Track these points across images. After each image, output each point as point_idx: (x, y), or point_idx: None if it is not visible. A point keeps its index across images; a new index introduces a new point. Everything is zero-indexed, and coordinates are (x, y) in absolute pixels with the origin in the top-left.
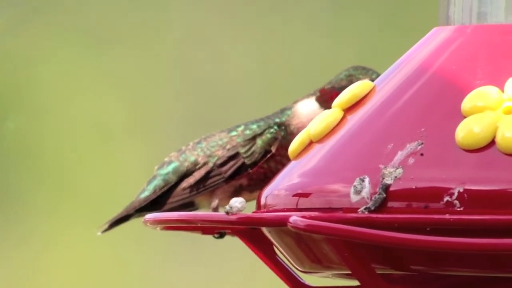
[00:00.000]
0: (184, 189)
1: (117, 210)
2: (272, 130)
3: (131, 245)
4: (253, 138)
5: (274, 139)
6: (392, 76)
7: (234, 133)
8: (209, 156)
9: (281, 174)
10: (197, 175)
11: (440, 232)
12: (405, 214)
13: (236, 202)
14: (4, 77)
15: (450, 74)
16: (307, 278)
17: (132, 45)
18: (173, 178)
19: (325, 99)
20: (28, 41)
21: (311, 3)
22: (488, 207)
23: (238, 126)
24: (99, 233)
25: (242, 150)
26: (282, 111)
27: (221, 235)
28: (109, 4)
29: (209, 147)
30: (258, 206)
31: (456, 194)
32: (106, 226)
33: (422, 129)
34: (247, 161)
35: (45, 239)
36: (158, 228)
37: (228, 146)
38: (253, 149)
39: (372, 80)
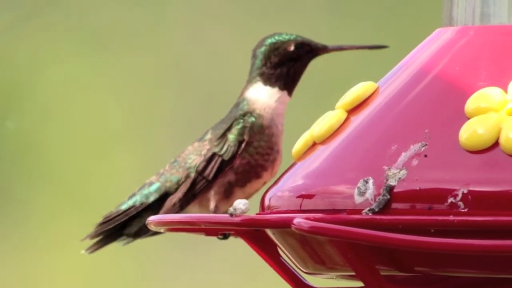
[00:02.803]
0: (175, 204)
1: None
2: (239, 121)
3: (132, 251)
4: (224, 135)
5: (244, 127)
6: (396, 77)
7: (205, 137)
8: (189, 168)
9: (285, 175)
10: (183, 188)
11: (444, 234)
12: (409, 215)
13: (240, 203)
14: (4, 77)
15: (454, 75)
16: (311, 279)
17: (132, 44)
18: (155, 196)
19: (269, 78)
20: (28, 41)
21: (310, 4)
22: (492, 208)
23: (206, 132)
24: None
25: (216, 150)
26: (238, 104)
27: (225, 236)
28: (109, 4)
29: (186, 161)
30: (262, 208)
31: (460, 195)
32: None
33: (426, 130)
34: (225, 157)
35: (45, 242)
36: (162, 230)
37: (203, 152)
38: (226, 144)
39: (294, 43)
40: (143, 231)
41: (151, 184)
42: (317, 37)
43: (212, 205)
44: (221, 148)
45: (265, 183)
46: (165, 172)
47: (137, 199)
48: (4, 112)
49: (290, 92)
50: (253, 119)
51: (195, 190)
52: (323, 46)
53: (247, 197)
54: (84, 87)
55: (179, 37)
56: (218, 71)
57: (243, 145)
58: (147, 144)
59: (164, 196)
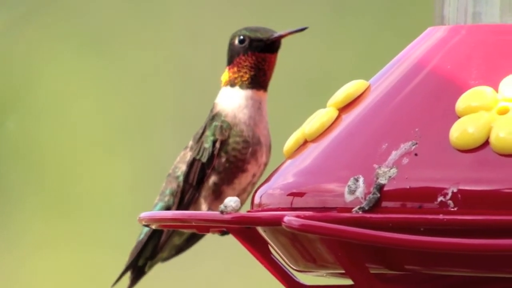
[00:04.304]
0: None
1: (114, 215)
2: (210, 123)
3: (124, 248)
4: (200, 139)
5: (215, 127)
6: (387, 76)
7: (188, 145)
8: (177, 177)
9: (276, 173)
10: (176, 200)
11: (434, 232)
12: (399, 214)
13: (231, 201)
14: (4, 77)
15: (445, 74)
16: (302, 277)
17: (131, 45)
18: None
19: (230, 80)
20: (28, 41)
21: (310, 6)
22: (482, 207)
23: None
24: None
25: (195, 154)
26: (210, 110)
27: (226, 233)
28: (109, 4)
29: (175, 171)
30: (253, 205)
31: (450, 194)
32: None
33: (416, 129)
34: (203, 160)
35: (36, 242)
36: (153, 227)
37: (187, 159)
38: (202, 147)
39: (237, 37)
40: (166, 253)
41: (155, 205)
42: (319, 35)
43: (205, 208)
44: (198, 152)
45: (254, 175)
46: (163, 189)
47: (148, 229)
48: (4, 112)
49: (257, 86)
50: (222, 119)
51: (186, 198)
52: (266, 37)
53: (241, 193)
54: (84, 88)
55: (179, 37)
56: (219, 71)
57: (217, 145)
58: (145, 145)
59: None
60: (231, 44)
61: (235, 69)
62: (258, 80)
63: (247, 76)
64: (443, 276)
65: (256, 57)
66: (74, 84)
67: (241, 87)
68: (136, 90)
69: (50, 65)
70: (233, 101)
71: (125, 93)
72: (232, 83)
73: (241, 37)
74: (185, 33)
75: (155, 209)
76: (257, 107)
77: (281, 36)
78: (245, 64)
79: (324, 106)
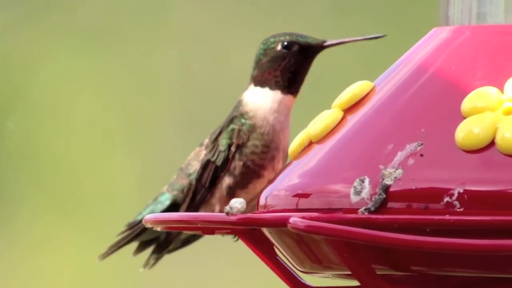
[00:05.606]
0: None
1: (112, 215)
2: (229, 124)
3: (124, 248)
4: (216, 140)
5: (232, 130)
6: (392, 77)
7: (204, 142)
8: (190, 175)
9: (281, 174)
10: (188, 198)
11: (440, 233)
12: (405, 215)
13: (236, 202)
14: (4, 77)
15: (450, 74)
16: (307, 278)
17: (131, 45)
18: (165, 205)
19: (262, 80)
20: (28, 41)
21: (311, 5)
22: (488, 208)
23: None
24: (98, 260)
25: (209, 156)
26: (234, 107)
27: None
28: (109, 4)
29: (188, 168)
30: (258, 206)
31: (456, 194)
32: (108, 252)
33: (422, 130)
34: (218, 163)
35: (35, 242)
36: (158, 228)
37: (201, 157)
38: (218, 150)
39: (281, 42)
40: (164, 246)
41: (162, 194)
42: (320, 34)
43: (217, 211)
44: (213, 154)
45: (269, 181)
46: (173, 181)
47: (150, 209)
48: (4, 112)
49: (290, 91)
50: (243, 120)
51: (198, 198)
52: (318, 43)
53: (253, 198)
54: (84, 87)
55: (179, 35)
56: (219, 71)
57: (232, 149)
58: (146, 145)
59: (173, 205)
60: (270, 48)
61: (274, 72)
62: (293, 85)
63: (285, 80)
64: (449, 276)
65: (300, 63)
66: (74, 84)
67: (274, 89)
68: (136, 89)
69: (50, 65)
70: (262, 103)
71: (125, 92)
72: (264, 84)
73: (287, 42)
74: (185, 31)
75: (161, 198)
76: (285, 113)
77: (332, 45)
78: (287, 69)
79: (325, 105)
